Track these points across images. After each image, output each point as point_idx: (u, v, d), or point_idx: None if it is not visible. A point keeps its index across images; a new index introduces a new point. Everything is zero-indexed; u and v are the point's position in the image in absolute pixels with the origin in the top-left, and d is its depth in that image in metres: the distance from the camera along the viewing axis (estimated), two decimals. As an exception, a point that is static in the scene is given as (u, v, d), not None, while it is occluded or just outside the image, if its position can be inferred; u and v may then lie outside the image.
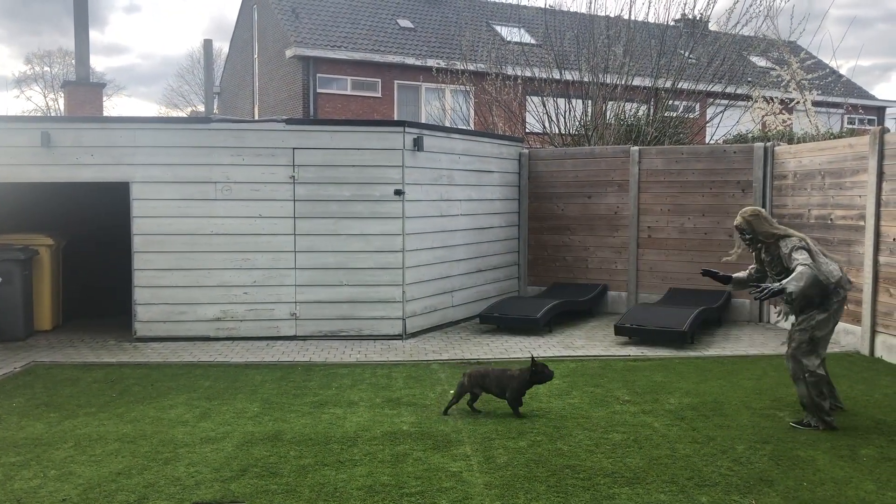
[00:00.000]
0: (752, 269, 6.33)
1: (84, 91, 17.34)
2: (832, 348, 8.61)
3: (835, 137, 12.33)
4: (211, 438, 5.58)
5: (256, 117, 26.69)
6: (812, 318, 5.78)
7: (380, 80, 23.36)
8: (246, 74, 28.98)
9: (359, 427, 5.83)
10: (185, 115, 39.78)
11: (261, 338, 9.20)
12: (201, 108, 39.64)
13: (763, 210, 6.23)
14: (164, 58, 76.27)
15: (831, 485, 4.68)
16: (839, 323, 8.84)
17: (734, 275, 6.34)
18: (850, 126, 23.35)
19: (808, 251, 5.73)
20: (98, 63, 75.89)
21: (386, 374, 7.60)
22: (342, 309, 9.30)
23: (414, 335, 9.54)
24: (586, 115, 14.66)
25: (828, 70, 16.95)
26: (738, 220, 6.13)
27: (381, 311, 9.33)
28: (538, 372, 6.08)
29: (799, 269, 5.55)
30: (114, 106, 56.41)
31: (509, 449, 5.32)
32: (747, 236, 6.04)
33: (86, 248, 10.82)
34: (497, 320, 9.84)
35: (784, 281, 5.55)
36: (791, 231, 5.97)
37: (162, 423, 5.96)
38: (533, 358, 6.14)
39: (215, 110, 31.47)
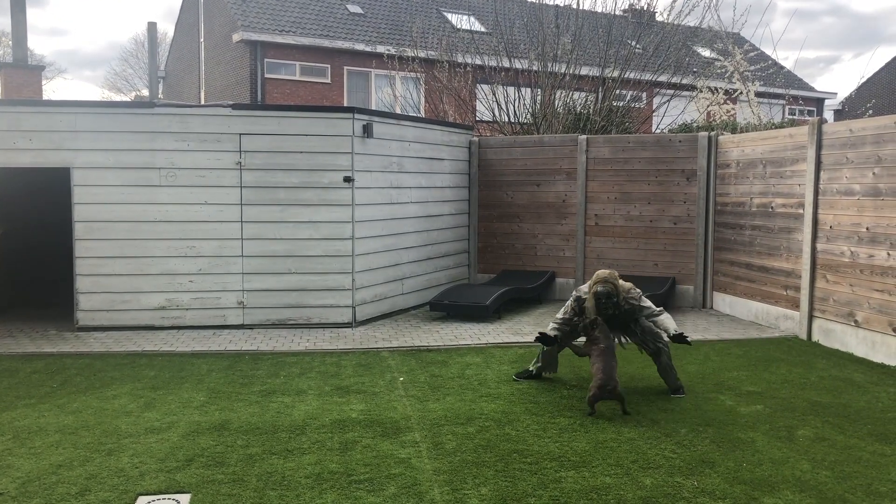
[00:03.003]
0: (561, 323, 6.46)
1: (21, 74, 16.72)
2: (772, 333, 8.93)
3: (776, 128, 12.63)
4: (156, 429, 5.49)
5: (203, 102, 26.18)
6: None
7: (329, 65, 23.10)
8: (192, 59, 28.39)
9: (307, 415, 5.80)
10: (129, 100, 38.81)
11: (207, 326, 9.06)
12: (146, 92, 38.74)
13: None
14: (110, 41, 74.23)
15: (769, 465, 4.83)
16: (778, 308, 9.17)
17: (556, 336, 6.49)
18: (791, 117, 23.95)
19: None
20: (40, 44, 73.63)
21: (335, 362, 7.57)
22: (291, 297, 9.21)
23: (364, 323, 9.51)
24: (535, 104, 14.76)
25: (770, 62, 17.34)
26: (603, 287, 6.06)
27: (331, 299, 9.27)
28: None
29: (664, 313, 6.24)
30: (54, 90, 54.61)
31: (458, 435, 5.36)
32: (613, 300, 6.10)
33: (26, 237, 10.50)
34: (447, 308, 9.87)
35: (672, 328, 6.16)
36: (623, 283, 6.23)
37: (105, 414, 5.84)
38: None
39: (160, 95, 30.76)
